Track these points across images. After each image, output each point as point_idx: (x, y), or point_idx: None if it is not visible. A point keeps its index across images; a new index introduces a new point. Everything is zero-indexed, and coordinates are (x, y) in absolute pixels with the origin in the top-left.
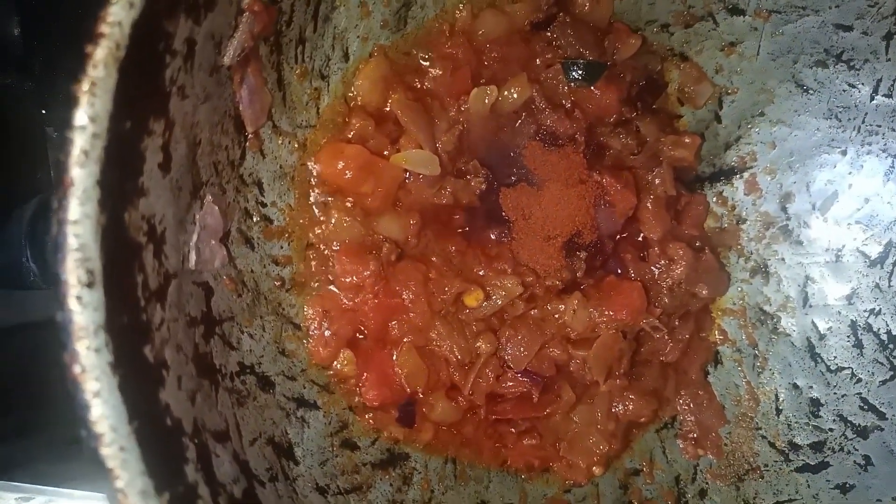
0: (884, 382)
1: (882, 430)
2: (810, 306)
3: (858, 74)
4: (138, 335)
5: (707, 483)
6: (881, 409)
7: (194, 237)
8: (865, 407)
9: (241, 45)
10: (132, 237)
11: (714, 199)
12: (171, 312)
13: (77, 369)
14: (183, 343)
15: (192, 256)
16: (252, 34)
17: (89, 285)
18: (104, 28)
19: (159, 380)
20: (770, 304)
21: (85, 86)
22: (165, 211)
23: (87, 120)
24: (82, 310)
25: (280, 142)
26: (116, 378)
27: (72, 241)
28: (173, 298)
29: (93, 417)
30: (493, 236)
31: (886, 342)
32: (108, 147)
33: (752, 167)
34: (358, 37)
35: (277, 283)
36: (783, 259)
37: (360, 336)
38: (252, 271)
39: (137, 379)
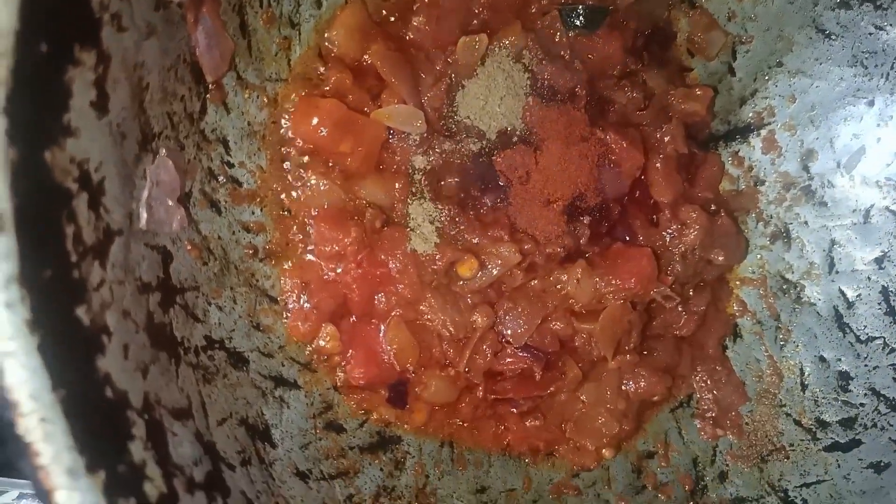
0: None
1: None
2: (837, 272)
3: (886, 14)
4: (67, 293)
5: (727, 465)
6: None
7: (144, 193)
8: None
9: None
10: (57, 181)
11: (729, 158)
12: (115, 273)
13: None
14: (132, 309)
15: (143, 214)
16: None
17: None
18: None
19: (97, 346)
20: (793, 272)
21: None
22: (103, 157)
23: None
24: None
25: (247, 95)
26: (36, 338)
27: None
28: (118, 258)
29: (6, 383)
30: (487, 201)
31: None
32: (16, 70)
33: (769, 123)
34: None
35: (249, 252)
36: (806, 222)
37: (344, 309)
38: (219, 238)
39: (66, 342)
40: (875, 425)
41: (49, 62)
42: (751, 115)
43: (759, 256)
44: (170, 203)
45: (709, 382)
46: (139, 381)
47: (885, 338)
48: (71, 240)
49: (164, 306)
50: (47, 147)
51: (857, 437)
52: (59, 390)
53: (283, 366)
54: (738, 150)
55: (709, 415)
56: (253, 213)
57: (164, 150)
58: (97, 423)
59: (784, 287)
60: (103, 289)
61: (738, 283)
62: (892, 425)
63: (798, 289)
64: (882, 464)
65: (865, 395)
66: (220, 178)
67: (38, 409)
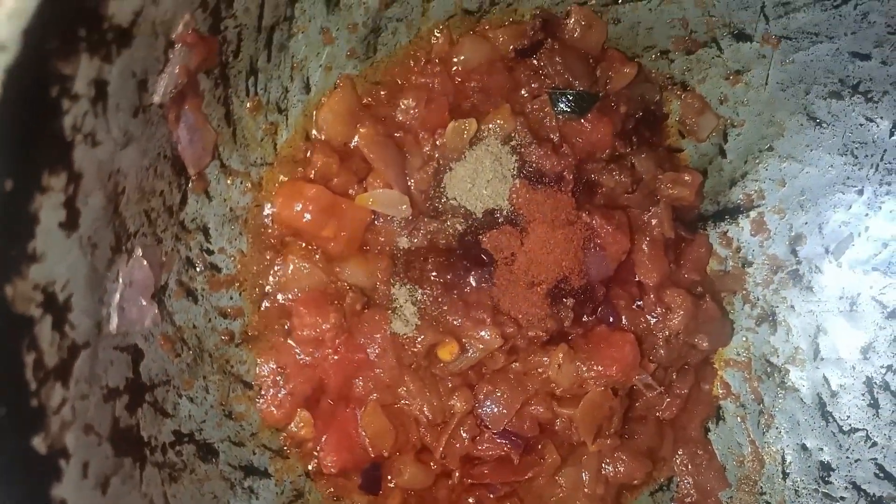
0: None
1: None
2: (822, 359)
3: (877, 107)
4: (22, 425)
5: None
6: None
7: (116, 297)
8: (881, 475)
9: (173, 80)
10: (18, 312)
11: (718, 239)
12: (79, 389)
13: None
14: (95, 421)
15: (114, 319)
16: (187, 69)
17: None
18: None
19: (54, 473)
20: (778, 356)
21: None
22: (72, 274)
23: None
24: None
25: (230, 182)
26: None
27: None
28: (82, 372)
29: None
30: (472, 282)
31: None
32: None
33: (759, 206)
34: (321, 66)
35: (225, 339)
36: (793, 307)
37: (320, 393)
38: (194, 327)
39: (18, 478)
40: None
41: (13, 198)
42: (741, 196)
43: (744, 338)
44: (142, 302)
45: (689, 466)
46: (98, 499)
47: (867, 430)
48: (31, 368)
49: (132, 408)
50: (7, 281)
51: None
52: None
53: (255, 454)
54: (727, 231)
55: (688, 500)
56: (231, 298)
57: (139, 250)
58: None
59: (769, 370)
60: (64, 409)
61: (722, 364)
62: None
63: (783, 373)
64: None
65: (846, 488)
66: (199, 267)
67: None
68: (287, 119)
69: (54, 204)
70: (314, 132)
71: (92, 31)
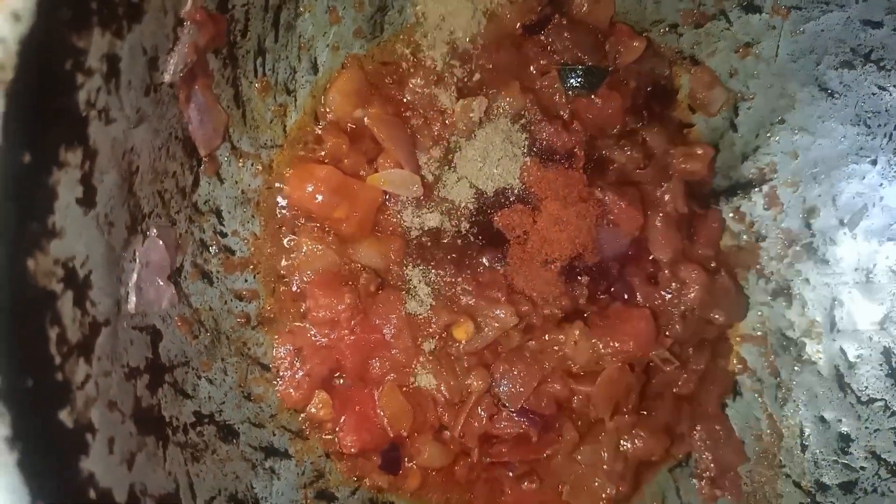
0: None
1: None
2: (838, 331)
3: (889, 75)
4: (50, 399)
5: None
6: None
7: (133, 277)
8: None
9: (183, 59)
10: (40, 286)
11: (731, 214)
12: (102, 366)
13: None
14: (119, 399)
15: (132, 299)
16: (197, 47)
17: None
18: None
19: (81, 447)
20: (794, 330)
21: None
22: (90, 251)
23: None
24: None
25: (241, 164)
26: (15, 454)
27: None
28: (104, 350)
29: None
30: (485, 261)
31: None
32: None
33: (772, 179)
34: (328, 46)
35: (241, 321)
36: (808, 280)
37: (337, 376)
38: (211, 309)
39: (47, 451)
40: (875, 490)
41: (31, 172)
42: (753, 171)
43: (759, 313)
44: (160, 283)
45: (708, 442)
46: (124, 474)
47: (886, 400)
48: (54, 343)
49: (153, 388)
50: (30, 254)
51: (856, 502)
52: (39, 502)
53: (274, 435)
54: (740, 206)
55: (707, 475)
56: (246, 280)
57: (154, 230)
58: None
59: (785, 344)
60: (88, 385)
61: (738, 339)
62: (892, 491)
63: (799, 347)
64: None
65: (866, 458)
66: (213, 249)
67: None
68: (296, 100)
69: (71, 179)
70: (324, 112)
71: (103, 4)
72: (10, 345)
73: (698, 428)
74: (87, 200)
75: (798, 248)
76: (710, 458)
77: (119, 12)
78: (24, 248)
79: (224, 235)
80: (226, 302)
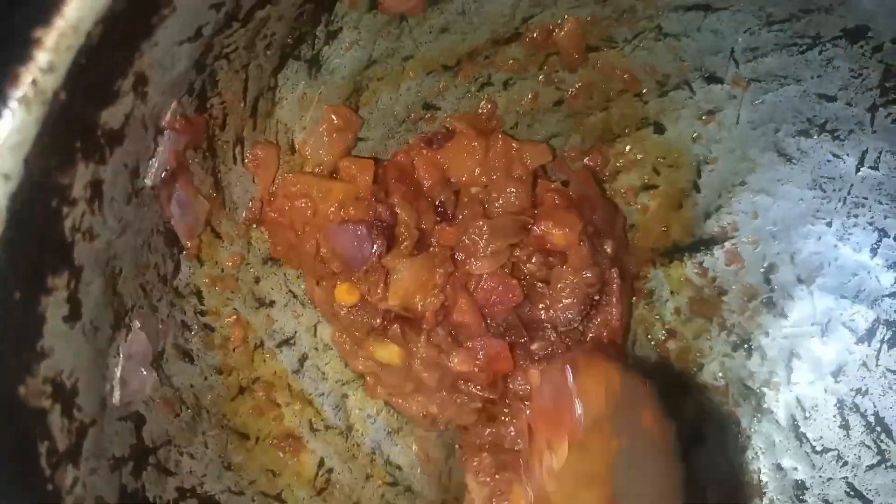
0: (871, 467)
1: None
2: (795, 382)
3: (843, 145)
4: None
5: None
6: (868, 497)
7: (118, 371)
8: (852, 493)
9: (164, 164)
10: (31, 407)
11: (694, 270)
12: (88, 465)
13: None
14: (105, 492)
15: (117, 393)
16: (176, 151)
17: None
18: None
19: None
20: (754, 380)
21: None
22: (76, 362)
23: None
24: None
25: (221, 245)
26: None
27: None
28: (91, 449)
29: None
30: None
31: (873, 424)
32: None
33: (733, 237)
34: (304, 128)
35: (221, 395)
36: (767, 332)
37: None
38: (192, 386)
39: None
40: None
41: (22, 306)
42: (715, 228)
43: (721, 363)
44: (143, 372)
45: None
46: None
47: (839, 450)
48: (45, 456)
49: (137, 473)
50: (21, 382)
51: None
52: None
53: (254, 501)
54: (703, 262)
55: None
56: (224, 354)
57: (137, 323)
58: None
59: (745, 394)
60: (76, 487)
61: (700, 388)
62: None
63: (759, 396)
64: None
65: None
66: (194, 329)
67: None
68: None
69: (58, 301)
70: None
71: (86, 140)
72: (6, 470)
73: None
74: (74, 315)
75: (758, 303)
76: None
77: (101, 142)
78: (14, 379)
79: (204, 314)
80: (206, 378)
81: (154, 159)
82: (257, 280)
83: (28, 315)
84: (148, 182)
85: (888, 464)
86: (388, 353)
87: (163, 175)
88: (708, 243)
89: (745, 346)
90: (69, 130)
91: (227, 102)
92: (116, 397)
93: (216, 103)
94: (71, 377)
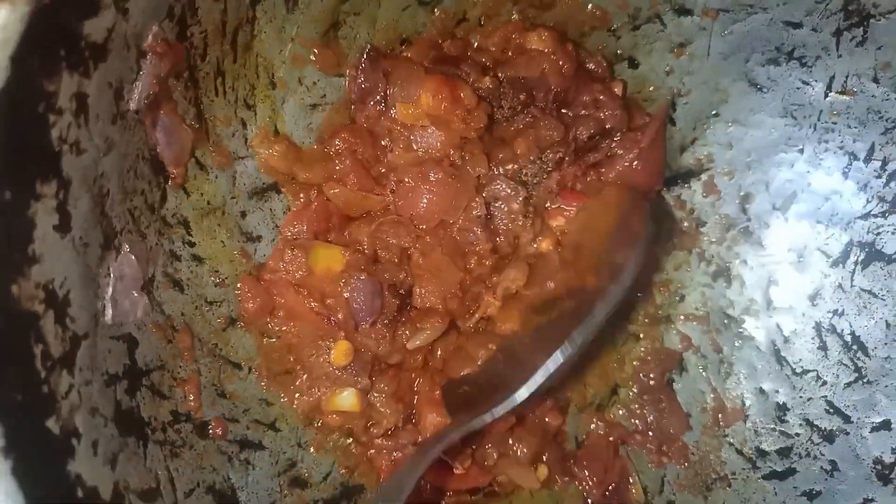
0: (848, 385)
1: (847, 433)
2: (774, 308)
3: (811, 71)
4: (37, 410)
5: (674, 495)
6: (846, 413)
7: (109, 290)
8: (831, 410)
9: (147, 88)
10: (24, 309)
11: (672, 202)
12: (83, 376)
13: None
14: (100, 404)
15: (109, 311)
16: (158, 76)
17: None
18: None
19: (67, 451)
20: (734, 308)
21: None
22: (68, 272)
23: None
24: None
25: (206, 177)
26: (9, 462)
27: None
28: (85, 361)
29: None
30: None
31: (850, 343)
32: None
33: (709, 168)
34: (284, 62)
35: (214, 325)
36: (745, 261)
37: None
38: (183, 314)
39: (38, 456)
40: (809, 454)
41: (12, 207)
42: (691, 161)
43: (702, 293)
44: (134, 294)
45: (653, 414)
46: (108, 473)
47: (817, 371)
48: (39, 359)
49: (131, 392)
50: (13, 281)
51: (792, 466)
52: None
53: (248, 429)
54: (680, 195)
55: (649, 446)
56: (215, 285)
57: (126, 246)
58: None
59: (726, 322)
60: (72, 394)
61: (682, 318)
62: (823, 455)
63: (739, 323)
64: (814, 491)
65: (800, 425)
66: (183, 258)
67: None
68: (255, 115)
69: (48, 209)
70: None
71: (70, 50)
72: (0, 365)
73: (645, 398)
74: (63, 226)
75: (736, 232)
76: (655, 427)
77: (85, 54)
78: (7, 276)
79: (193, 245)
80: (197, 307)
81: (137, 83)
82: (244, 214)
83: (18, 216)
84: (132, 105)
85: (865, 380)
86: None
87: (146, 99)
88: (685, 176)
89: (725, 275)
90: (53, 35)
91: (207, 32)
92: (109, 315)
93: (196, 32)
94: (63, 287)
